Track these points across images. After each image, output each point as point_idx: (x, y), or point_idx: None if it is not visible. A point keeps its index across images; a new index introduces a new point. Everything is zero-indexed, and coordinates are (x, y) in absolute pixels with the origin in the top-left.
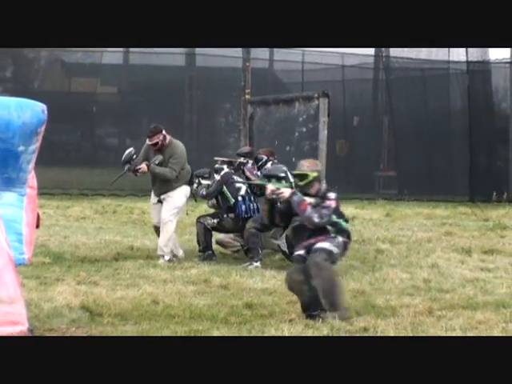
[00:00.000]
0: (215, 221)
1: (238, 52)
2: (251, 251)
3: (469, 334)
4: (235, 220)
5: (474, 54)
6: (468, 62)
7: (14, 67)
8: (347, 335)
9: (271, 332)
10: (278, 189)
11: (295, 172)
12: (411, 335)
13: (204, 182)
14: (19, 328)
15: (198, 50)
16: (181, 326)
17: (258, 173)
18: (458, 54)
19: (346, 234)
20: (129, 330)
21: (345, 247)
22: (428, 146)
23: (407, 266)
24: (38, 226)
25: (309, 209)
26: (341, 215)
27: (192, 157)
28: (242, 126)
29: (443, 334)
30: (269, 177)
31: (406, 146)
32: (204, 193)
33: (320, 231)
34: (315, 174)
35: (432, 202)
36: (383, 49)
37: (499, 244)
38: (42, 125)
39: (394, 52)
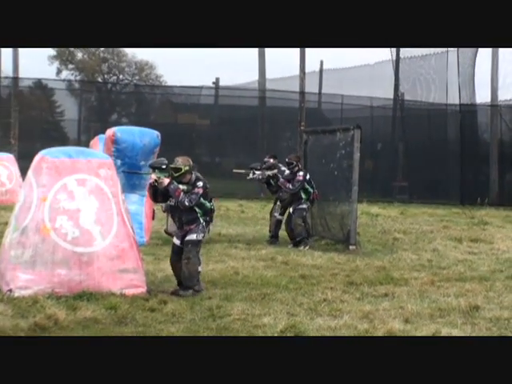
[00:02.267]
0: (278, 209)
1: (296, 95)
2: (302, 239)
3: (460, 300)
4: None
5: (465, 98)
6: (460, 105)
7: (136, 105)
8: (371, 299)
9: (318, 295)
10: (160, 178)
11: (172, 166)
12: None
13: (257, 172)
14: (140, 290)
15: (268, 94)
16: (254, 290)
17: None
18: (454, 99)
19: (209, 212)
20: (217, 292)
21: (208, 224)
22: (431, 164)
23: (415, 250)
24: (153, 218)
25: (181, 195)
26: (207, 198)
27: None
28: (298, 148)
29: (442, 298)
30: (153, 168)
31: (415, 164)
32: (260, 177)
33: (190, 214)
34: (187, 168)
35: (433, 204)
36: (400, 94)
37: (482, 235)
38: (156, 146)
39: (407, 97)
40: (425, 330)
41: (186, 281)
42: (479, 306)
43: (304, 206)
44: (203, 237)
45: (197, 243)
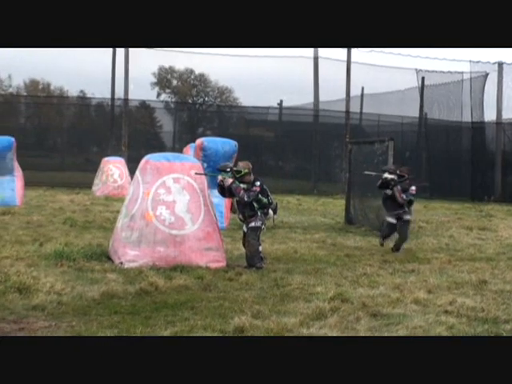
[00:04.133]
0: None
1: (342, 114)
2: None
3: (472, 276)
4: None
5: (476, 117)
6: (472, 122)
7: (218, 121)
8: (401, 274)
9: (359, 270)
10: (225, 178)
11: (235, 169)
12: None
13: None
14: (221, 264)
15: (320, 113)
16: (309, 266)
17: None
18: (467, 117)
19: (266, 206)
20: (281, 267)
21: (266, 215)
22: (448, 168)
23: (436, 236)
24: (231, 208)
25: (241, 192)
26: (265, 194)
27: (315, 172)
28: (344, 156)
29: (457, 274)
30: (220, 170)
31: (435, 169)
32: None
33: (250, 208)
34: (246, 170)
35: (450, 200)
36: (424, 113)
37: (488, 225)
38: (234, 153)
39: (430, 116)
40: (444, 298)
41: (248, 259)
42: (487, 281)
43: (408, 217)
44: (262, 224)
45: (255, 229)
